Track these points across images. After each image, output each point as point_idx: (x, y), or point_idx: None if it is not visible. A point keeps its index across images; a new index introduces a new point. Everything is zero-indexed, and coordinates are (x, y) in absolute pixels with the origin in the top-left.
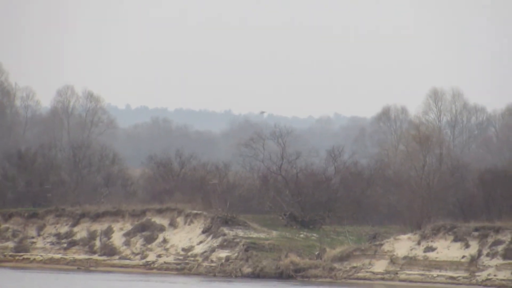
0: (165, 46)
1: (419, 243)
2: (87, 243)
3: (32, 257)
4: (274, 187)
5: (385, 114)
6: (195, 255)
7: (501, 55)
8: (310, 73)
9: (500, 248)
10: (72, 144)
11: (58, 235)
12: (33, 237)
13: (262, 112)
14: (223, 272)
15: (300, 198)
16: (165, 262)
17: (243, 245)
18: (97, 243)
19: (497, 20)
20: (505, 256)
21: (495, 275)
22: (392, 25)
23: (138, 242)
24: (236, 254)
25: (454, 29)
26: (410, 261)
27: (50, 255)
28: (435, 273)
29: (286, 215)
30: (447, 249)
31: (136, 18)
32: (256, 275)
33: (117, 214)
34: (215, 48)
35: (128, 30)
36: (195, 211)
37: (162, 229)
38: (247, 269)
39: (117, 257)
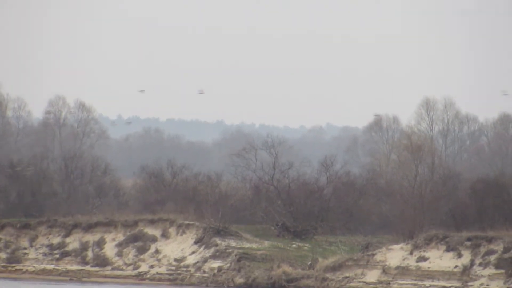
0: (157, 56)
1: (411, 253)
2: (80, 254)
3: (24, 268)
4: (266, 197)
5: (377, 124)
6: (188, 266)
7: (493, 64)
8: (302, 83)
9: (492, 257)
10: (64, 154)
11: (50, 246)
12: (25, 248)
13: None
14: (215, 282)
15: (292, 208)
16: (157, 273)
17: (236, 255)
18: (90, 253)
19: (490, 29)
20: (497, 266)
21: (487, 285)
22: (385, 34)
23: (130, 253)
24: (228, 265)
25: (447, 38)
26: (403, 271)
27: (43, 266)
28: (427, 283)
29: (278, 225)
30: (439, 259)
31: (127, 28)
32: (249, 286)
33: (109, 224)
34: (207, 58)
35: (119, 41)
36: (187, 222)
37: (154, 239)
38: (239, 280)
39: (109, 267)
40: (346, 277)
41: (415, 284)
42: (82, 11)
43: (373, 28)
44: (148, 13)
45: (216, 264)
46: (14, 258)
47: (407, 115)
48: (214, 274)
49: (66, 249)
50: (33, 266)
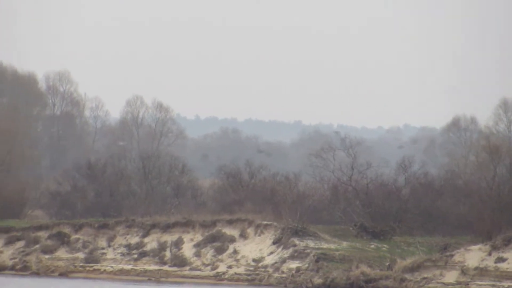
0: (233, 55)
1: (490, 254)
2: (158, 254)
3: (102, 268)
4: (345, 198)
5: (455, 125)
6: (266, 266)
7: None
8: (379, 82)
9: None
10: (142, 154)
11: (128, 246)
12: (103, 248)
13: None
14: (293, 283)
15: (370, 208)
16: (235, 273)
17: (314, 255)
18: (168, 254)
19: None
20: None
21: None
22: (462, 35)
23: (208, 253)
24: (306, 265)
25: None
26: (481, 272)
27: (121, 266)
28: (506, 283)
29: (356, 225)
30: None
31: (201, 28)
32: (327, 286)
33: (187, 225)
34: (286, 57)
35: (197, 40)
36: (265, 222)
37: (232, 240)
38: (317, 280)
39: (187, 268)
40: (425, 278)
41: (493, 285)
42: (158, 12)
43: (451, 32)
44: (223, 12)
45: (294, 264)
46: (92, 258)
47: (485, 115)
48: (292, 275)
49: (144, 249)
50: (111, 266)
